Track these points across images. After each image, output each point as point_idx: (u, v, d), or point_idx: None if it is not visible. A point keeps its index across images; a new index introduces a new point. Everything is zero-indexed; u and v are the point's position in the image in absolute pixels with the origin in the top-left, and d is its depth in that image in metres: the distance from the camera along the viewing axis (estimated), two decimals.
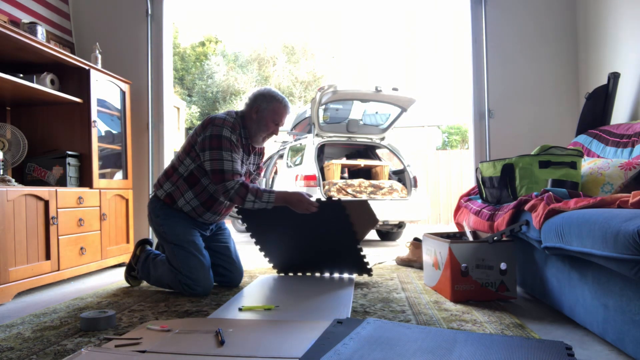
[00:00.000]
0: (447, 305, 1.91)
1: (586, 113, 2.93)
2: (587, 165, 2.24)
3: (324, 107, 4.95)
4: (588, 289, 1.50)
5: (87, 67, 2.93)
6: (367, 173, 5.42)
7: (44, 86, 2.69)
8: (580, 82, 3.54)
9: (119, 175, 3.31)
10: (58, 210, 2.52)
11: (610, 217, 1.26)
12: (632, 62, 2.82)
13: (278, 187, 5.80)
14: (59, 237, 2.53)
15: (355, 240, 2.31)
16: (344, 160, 5.30)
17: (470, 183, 4.19)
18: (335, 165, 5.05)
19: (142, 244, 2.49)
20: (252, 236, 2.49)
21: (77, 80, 2.93)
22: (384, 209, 4.62)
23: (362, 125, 5.29)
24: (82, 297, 2.21)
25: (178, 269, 2.18)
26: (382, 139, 5.39)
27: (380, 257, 3.59)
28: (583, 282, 1.53)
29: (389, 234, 5.44)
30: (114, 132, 3.31)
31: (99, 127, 3.05)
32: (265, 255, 2.60)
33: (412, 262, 2.98)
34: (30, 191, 2.35)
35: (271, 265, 2.67)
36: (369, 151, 5.74)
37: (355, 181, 4.85)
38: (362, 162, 5.22)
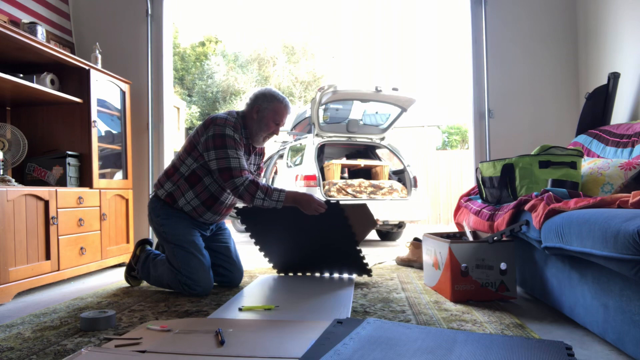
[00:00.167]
0: (447, 305, 1.91)
1: (586, 113, 2.93)
2: (587, 165, 2.24)
3: (324, 107, 4.95)
4: (588, 289, 1.50)
5: (87, 67, 2.93)
6: (367, 173, 5.42)
7: (44, 86, 2.69)
8: (580, 82, 3.54)
9: (119, 175, 3.31)
10: (58, 210, 2.52)
11: (610, 217, 1.26)
12: (632, 62, 2.82)
13: (279, 187, 5.79)
14: (59, 237, 2.53)
15: (354, 241, 2.31)
16: (344, 160, 5.30)
17: (470, 183, 4.19)
18: (335, 165, 5.05)
19: (142, 244, 2.49)
20: (251, 236, 2.49)
21: (77, 80, 2.93)
22: (384, 209, 4.62)
23: (362, 125, 5.29)
24: (82, 297, 2.21)
25: (178, 269, 2.18)
26: (382, 139, 5.39)
27: (380, 257, 3.59)
28: (583, 282, 1.53)
29: (389, 234, 5.44)
30: (114, 132, 3.31)
31: (99, 127, 3.05)
32: (265, 256, 2.60)
33: (412, 262, 2.98)
34: (30, 191, 2.35)
35: (271, 265, 2.67)
36: (369, 151, 5.74)
37: (355, 181, 4.85)
38: (362, 162, 5.22)
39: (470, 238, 2.26)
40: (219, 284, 2.41)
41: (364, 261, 2.40)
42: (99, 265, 2.90)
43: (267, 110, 2.28)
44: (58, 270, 2.51)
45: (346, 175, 5.60)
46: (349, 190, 4.75)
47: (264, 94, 2.31)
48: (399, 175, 5.32)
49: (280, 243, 2.52)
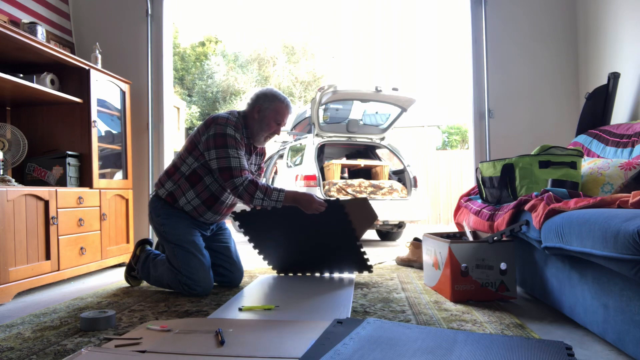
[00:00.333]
0: (447, 305, 1.91)
1: (586, 113, 2.93)
2: (587, 165, 2.24)
3: (324, 107, 4.95)
4: (588, 289, 1.50)
5: (87, 67, 2.93)
6: (367, 173, 5.42)
7: (44, 86, 2.69)
8: (580, 82, 3.54)
9: (119, 175, 3.31)
10: (58, 210, 2.52)
11: (610, 217, 1.26)
12: (632, 62, 2.82)
13: (279, 186, 5.79)
14: (59, 237, 2.53)
15: (354, 237, 2.31)
16: (344, 160, 5.30)
17: (470, 183, 4.19)
18: (335, 165, 5.05)
19: (142, 243, 2.49)
20: (249, 241, 2.48)
21: (77, 80, 2.93)
22: (384, 209, 4.62)
23: (362, 125, 5.29)
24: (82, 297, 2.21)
25: (178, 269, 2.18)
26: (382, 139, 5.39)
27: (380, 257, 3.59)
28: (583, 282, 1.53)
29: (389, 234, 5.44)
30: (114, 132, 3.31)
31: (99, 127, 3.05)
32: (265, 259, 2.60)
33: (412, 262, 2.98)
34: (30, 191, 2.35)
35: (270, 266, 2.67)
36: (369, 151, 5.74)
37: (355, 181, 4.85)
38: (362, 162, 5.22)
39: (470, 238, 2.26)
40: (219, 284, 2.41)
41: (365, 257, 2.40)
42: (99, 265, 2.90)
43: (268, 110, 2.28)
44: (58, 270, 2.51)
45: (346, 175, 5.60)
46: (349, 190, 4.75)
47: (265, 93, 2.31)
48: (399, 175, 5.32)
49: (279, 245, 2.52)
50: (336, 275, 2.58)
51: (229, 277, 2.39)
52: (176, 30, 19.42)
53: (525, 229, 1.85)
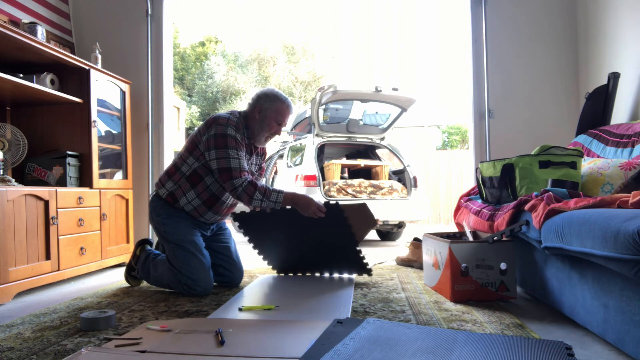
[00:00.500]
0: (447, 305, 1.91)
1: (586, 113, 2.93)
2: (587, 165, 2.24)
3: (324, 107, 4.95)
4: (588, 289, 1.50)
5: (87, 67, 2.93)
6: (367, 173, 5.42)
7: (44, 86, 2.69)
8: (580, 82, 3.54)
9: (119, 175, 3.31)
10: (58, 210, 2.52)
11: (610, 217, 1.26)
12: (632, 62, 2.82)
13: (278, 187, 5.80)
14: (59, 237, 2.53)
15: (354, 242, 2.31)
16: (344, 160, 5.30)
17: (470, 183, 4.19)
18: (335, 165, 5.05)
19: (142, 243, 2.49)
20: (249, 241, 2.48)
21: (77, 80, 2.93)
22: (384, 209, 4.62)
23: (362, 125, 5.29)
24: (82, 297, 2.21)
25: (178, 269, 2.18)
26: (382, 139, 5.39)
27: (380, 257, 3.59)
28: (583, 282, 1.53)
29: (389, 234, 5.44)
30: (114, 132, 3.31)
31: (99, 127, 3.05)
32: (264, 259, 2.60)
33: (412, 262, 2.98)
34: (30, 191, 2.35)
35: (270, 266, 2.67)
36: (369, 151, 5.74)
37: (355, 181, 4.85)
38: (362, 162, 5.22)
39: (470, 238, 2.26)
40: (219, 284, 2.41)
41: (364, 261, 2.40)
42: (99, 265, 2.90)
43: (269, 110, 2.28)
44: (58, 270, 2.51)
45: (346, 175, 5.60)
46: (349, 190, 4.75)
47: (267, 94, 2.31)
48: (399, 175, 5.32)
49: (279, 246, 2.52)
50: (336, 275, 2.58)
51: (229, 277, 2.39)
52: (176, 30, 19.42)
53: (525, 229, 1.85)
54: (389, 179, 5.27)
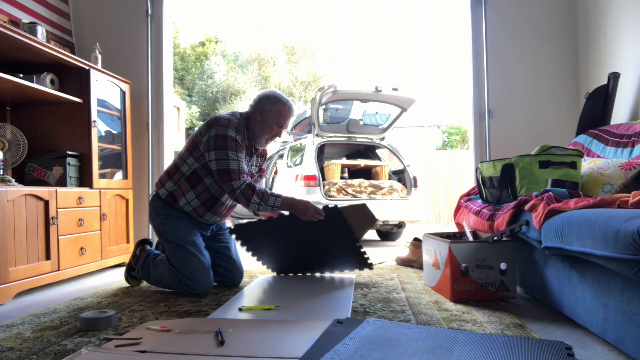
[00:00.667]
0: (447, 305, 1.91)
1: (586, 113, 2.93)
2: (587, 165, 2.24)
3: (324, 107, 4.95)
4: (588, 289, 1.50)
5: (87, 67, 2.93)
6: (367, 173, 5.42)
7: (44, 86, 2.69)
8: (580, 82, 3.54)
9: (119, 175, 3.31)
10: (58, 210, 2.52)
11: (610, 217, 1.26)
12: (632, 62, 2.82)
13: (278, 187, 5.80)
14: (59, 237, 2.53)
15: (354, 240, 2.31)
16: (344, 160, 5.30)
17: (470, 183, 4.19)
18: (335, 165, 5.05)
19: (142, 243, 2.49)
20: (247, 250, 2.47)
21: (77, 80, 2.93)
22: (384, 209, 4.62)
23: (362, 125, 5.29)
24: (82, 297, 2.21)
25: (178, 269, 2.18)
26: (382, 139, 5.39)
27: (380, 257, 3.59)
28: (583, 282, 1.53)
29: (389, 234, 5.44)
30: (114, 132, 3.31)
31: (99, 127, 3.05)
32: (264, 264, 2.60)
33: (412, 262, 2.98)
34: (30, 191, 2.35)
35: (270, 270, 2.67)
36: (369, 151, 5.74)
37: (355, 181, 4.85)
38: (362, 162, 5.22)
39: (470, 238, 2.26)
40: (219, 284, 2.41)
41: (365, 256, 2.40)
42: (99, 265, 2.90)
43: (270, 112, 2.28)
44: (58, 270, 2.51)
45: (346, 175, 5.60)
46: (349, 190, 4.75)
47: (268, 95, 2.31)
48: (399, 175, 5.32)
49: (280, 253, 2.51)
50: (336, 275, 2.58)
51: (229, 277, 2.39)
52: (176, 30, 19.42)
53: (525, 229, 1.85)
54: (389, 179, 5.27)
